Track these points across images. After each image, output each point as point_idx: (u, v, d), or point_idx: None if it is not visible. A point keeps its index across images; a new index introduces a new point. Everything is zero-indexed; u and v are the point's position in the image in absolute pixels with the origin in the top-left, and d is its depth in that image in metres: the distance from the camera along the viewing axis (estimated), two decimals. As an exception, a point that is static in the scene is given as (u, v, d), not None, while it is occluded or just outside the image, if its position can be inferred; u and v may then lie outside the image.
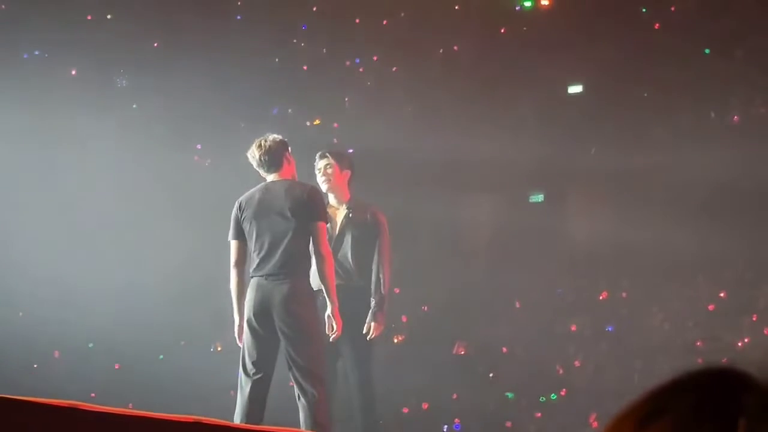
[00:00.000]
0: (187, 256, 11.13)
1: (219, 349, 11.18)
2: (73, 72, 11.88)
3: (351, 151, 11.24)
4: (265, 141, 7.99)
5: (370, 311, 8.56)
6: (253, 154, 8.00)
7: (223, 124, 11.60)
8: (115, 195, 11.41)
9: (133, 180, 11.39)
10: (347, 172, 8.76)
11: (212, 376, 10.65)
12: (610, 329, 11.62)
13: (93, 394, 10.19)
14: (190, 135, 11.76)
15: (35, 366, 11.29)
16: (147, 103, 11.89)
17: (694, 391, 1.08)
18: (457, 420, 11.24)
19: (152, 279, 11.11)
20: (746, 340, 11.01)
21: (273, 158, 7.97)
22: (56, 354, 11.38)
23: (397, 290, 9.02)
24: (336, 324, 7.85)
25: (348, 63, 12.18)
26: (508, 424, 11.21)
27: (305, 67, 12.18)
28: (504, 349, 11.64)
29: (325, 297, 7.89)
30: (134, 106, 11.95)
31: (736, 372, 1.08)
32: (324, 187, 8.59)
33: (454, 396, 11.38)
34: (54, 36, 11.70)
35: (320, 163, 8.70)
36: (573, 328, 11.71)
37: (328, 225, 8.35)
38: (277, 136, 8.06)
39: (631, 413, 1.11)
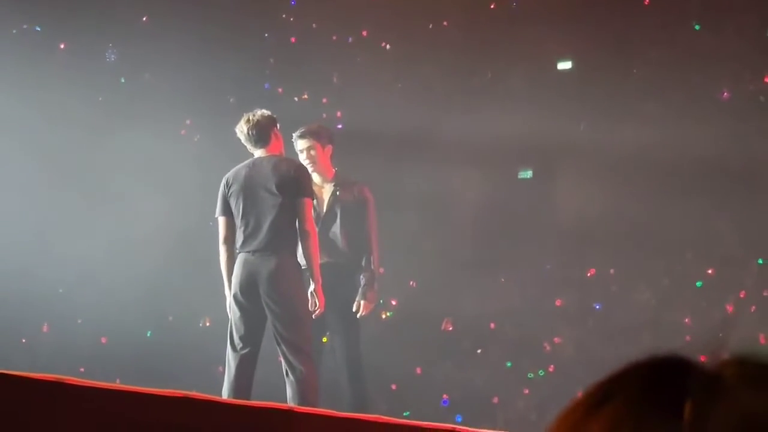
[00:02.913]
0: (175, 232, 11.12)
1: (207, 324, 11.18)
2: (62, 46, 11.84)
3: (340, 126, 11.24)
4: (254, 116, 8.01)
5: (360, 289, 8.56)
6: (241, 129, 8.02)
7: (212, 99, 11.56)
8: (104, 169, 11.38)
9: (121, 155, 11.34)
10: (329, 148, 8.74)
11: (200, 351, 10.66)
12: (597, 306, 11.63)
13: (81, 369, 10.21)
14: (179, 110, 11.71)
15: (23, 340, 11.29)
16: (136, 78, 11.85)
17: (642, 376, 1.13)
18: (445, 396, 11.27)
19: (140, 254, 11.11)
20: (734, 317, 11.03)
21: (261, 133, 7.98)
22: (45, 328, 11.38)
23: (381, 270, 9.00)
24: (319, 301, 7.87)
25: (336, 38, 12.13)
26: (496, 399, 11.24)
27: (293, 39, 12.12)
28: (492, 326, 11.65)
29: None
30: (122, 80, 11.90)
31: (682, 357, 1.14)
32: (310, 169, 8.56)
33: (442, 372, 11.39)
34: (43, 10, 11.66)
35: (300, 144, 8.66)
36: (561, 304, 11.71)
37: (315, 202, 8.36)
38: (266, 112, 8.07)
39: (582, 400, 1.17)
